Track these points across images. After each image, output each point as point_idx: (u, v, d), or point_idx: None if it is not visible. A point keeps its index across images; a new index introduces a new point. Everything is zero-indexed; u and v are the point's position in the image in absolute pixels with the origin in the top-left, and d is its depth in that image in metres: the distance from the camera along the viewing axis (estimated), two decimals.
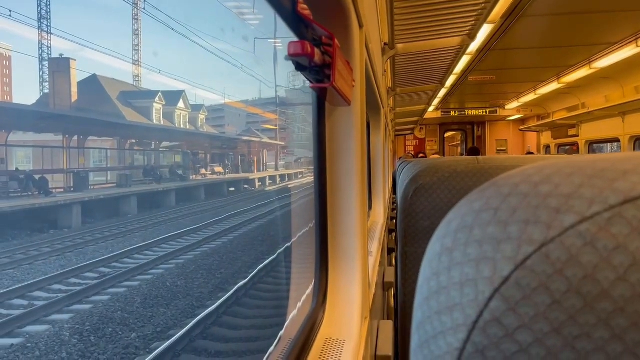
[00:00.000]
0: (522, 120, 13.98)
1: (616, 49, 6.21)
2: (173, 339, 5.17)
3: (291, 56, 1.09)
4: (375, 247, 2.84)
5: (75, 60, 29.08)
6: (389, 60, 5.40)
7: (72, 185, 18.60)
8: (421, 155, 13.36)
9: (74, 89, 28.40)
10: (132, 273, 8.41)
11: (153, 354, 4.79)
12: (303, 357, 1.13)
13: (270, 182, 32.86)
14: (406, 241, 2.23)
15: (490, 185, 0.29)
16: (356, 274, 1.43)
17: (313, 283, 1.43)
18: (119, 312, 6.37)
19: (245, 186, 28.80)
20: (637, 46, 5.87)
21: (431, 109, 12.33)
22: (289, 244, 10.43)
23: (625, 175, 0.25)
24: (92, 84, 30.89)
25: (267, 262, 8.75)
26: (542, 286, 0.24)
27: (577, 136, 10.11)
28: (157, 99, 33.72)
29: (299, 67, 1.23)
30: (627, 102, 7.32)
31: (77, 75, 29.73)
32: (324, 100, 1.43)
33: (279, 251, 9.76)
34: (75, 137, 20.98)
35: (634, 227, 0.23)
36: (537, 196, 0.26)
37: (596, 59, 6.77)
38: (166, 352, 4.89)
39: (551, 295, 0.23)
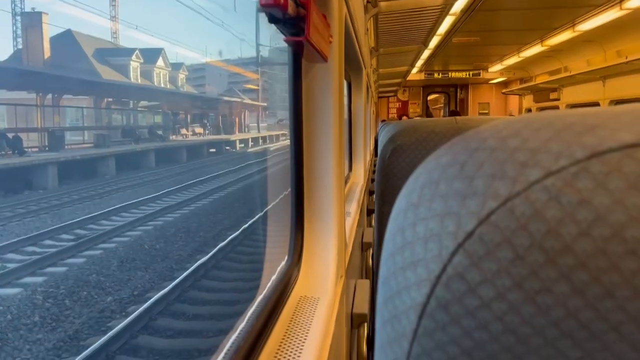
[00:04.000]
0: (505, 84, 13.96)
1: (600, 11, 6.12)
2: (149, 302, 5.15)
3: (263, 7, 1.05)
4: (353, 207, 2.86)
5: (47, 14, 27.87)
6: (371, 19, 5.27)
7: (47, 144, 18.15)
8: (404, 117, 13.31)
9: (47, 45, 27.34)
10: (108, 235, 8.31)
11: (129, 318, 4.77)
12: (276, 314, 1.14)
13: (252, 143, 32.58)
14: (383, 201, 2.22)
15: (458, 140, 0.29)
16: (332, 233, 1.43)
17: (289, 242, 1.43)
18: (94, 275, 6.31)
19: (227, 147, 28.51)
20: (621, 9, 5.79)
21: (415, 70, 12.21)
22: (270, 206, 10.40)
23: (593, 129, 0.24)
24: (66, 39, 29.74)
25: (248, 224, 8.72)
26: (505, 241, 0.24)
27: (559, 100, 10.12)
28: (134, 56, 32.72)
29: (272, 19, 1.18)
30: (609, 67, 7.29)
31: (51, 30, 28.59)
32: (301, 57, 1.39)
33: (260, 213, 9.74)
34: (50, 95, 20.33)
35: (599, 182, 0.23)
36: (504, 150, 0.25)
37: (580, 22, 6.69)
38: (143, 315, 4.88)
39: (514, 250, 0.23)
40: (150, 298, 5.33)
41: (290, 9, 1.11)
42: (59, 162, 14.84)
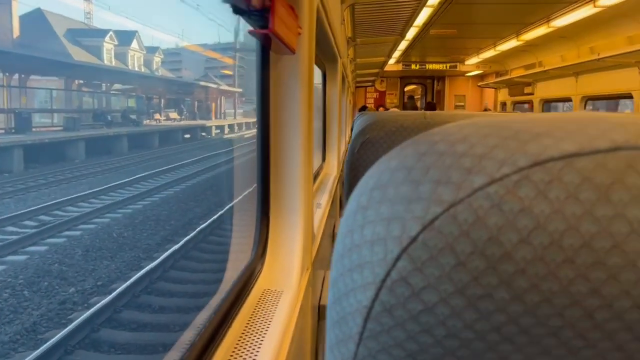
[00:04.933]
0: (481, 77, 14.04)
1: (574, 8, 6.15)
2: (114, 293, 5.00)
3: None
4: (325, 199, 2.89)
5: None
6: (348, 9, 5.20)
7: (13, 126, 17.54)
8: (381, 108, 13.31)
9: (16, 23, 26.35)
10: (74, 222, 8.07)
11: (91, 310, 4.62)
12: (237, 308, 1.13)
13: (228, 130, 32.19)
14: (349, 194, 2.21)
15: (410, 143, 0.29)
16: (298, 225, 1.45)
17: (253, 234, 1.44)
18: (56, 265, 6.11)
19: (202, 134, 28.11)
20: (595, 6, 5.82)
21: (392, 61, 12.18)
22: (244, 195, 10.26)
23: (537, 137, 0.24)
24: (36, 18, 28.73)
25: (220, 213, 8.58)
26: (448, 247, 0.24)
27: (532, 94, 10.21)
28: (107, 38, 31.84)
29: (237, 10, 1.14)
30: (581, 63, 7.37)
31: (20, 8, 27.54)
32: (268, 48, 1.38)
33: (234, 202, 9.59)
34: (17, 76, 19.61)
35: (540, 191, 0.23)
36: (452, 155, 0.25)
37: (555, 18, 6.72)
38: (106, 308, 4.73)
39: (456, 257, 0.24)
40: (115, 289, 5.18)
41: (255, 0, 1.08)
42: (26, 144, 14.36)
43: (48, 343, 4.03)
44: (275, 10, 1.12)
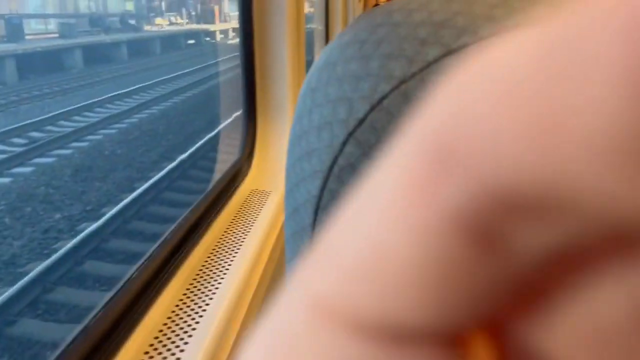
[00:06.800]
0: None
1: None
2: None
3: None
4: None
5: None
6: None
7: (4, 34, 16.61)
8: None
9: None
10: (66, 139, 7.53)
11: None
12: (221, 207, 1.10)
13: (233, 34, 30.69)
14: None
15: (366, 14, 0.26)
16: (287, 124, 1.40)
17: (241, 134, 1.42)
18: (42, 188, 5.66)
19: (206, 38, 26.78)
20: None
21: None
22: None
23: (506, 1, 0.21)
24: None
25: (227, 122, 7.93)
26: (397, 129, 0.23)
27: None
28: None
29: None
30: None
31: None
32: None
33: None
34: None
35: None
36: (408, 26, 0.23)
37: None
38: None
39: None
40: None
41: None
42: (17, 54, 13.55)
43: None
44: None
